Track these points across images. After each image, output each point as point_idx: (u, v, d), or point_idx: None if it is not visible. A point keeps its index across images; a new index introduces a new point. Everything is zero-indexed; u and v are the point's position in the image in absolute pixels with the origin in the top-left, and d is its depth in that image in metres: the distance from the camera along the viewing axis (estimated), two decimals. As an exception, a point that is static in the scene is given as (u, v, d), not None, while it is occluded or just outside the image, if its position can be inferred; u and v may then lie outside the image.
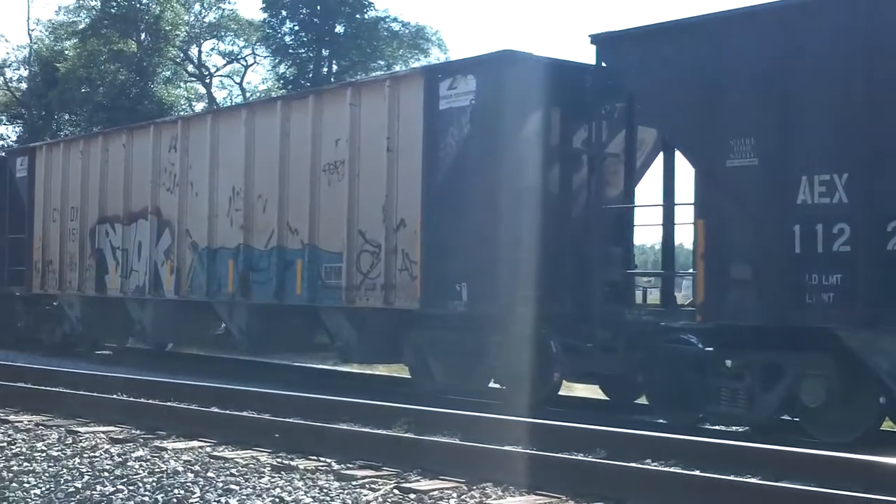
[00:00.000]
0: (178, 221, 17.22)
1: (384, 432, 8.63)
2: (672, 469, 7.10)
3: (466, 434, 8.57)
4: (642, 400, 13.40)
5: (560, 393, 13.24)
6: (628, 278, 12.77)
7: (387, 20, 37.07)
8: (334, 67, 35.96)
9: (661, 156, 13.53)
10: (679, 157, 11.73)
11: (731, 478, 6.69)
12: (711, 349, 10.71)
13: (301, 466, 7.47)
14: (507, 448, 7.67)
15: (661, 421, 11.48)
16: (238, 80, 43.31)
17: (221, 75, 43.61)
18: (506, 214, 12.54)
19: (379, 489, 6.79)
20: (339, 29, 35.87)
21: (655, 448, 7.76)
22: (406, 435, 8.45)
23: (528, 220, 12.73)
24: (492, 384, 13.52)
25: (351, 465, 7.48)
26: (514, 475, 6.93)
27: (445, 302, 12.97)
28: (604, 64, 11.51)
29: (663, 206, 12.13)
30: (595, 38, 11.46)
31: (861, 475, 6.75)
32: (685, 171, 12.33)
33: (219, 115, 17.17)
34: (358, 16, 35.88)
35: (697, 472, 6.83)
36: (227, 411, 9.80)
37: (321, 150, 14.80)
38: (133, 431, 9.11)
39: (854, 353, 9.50)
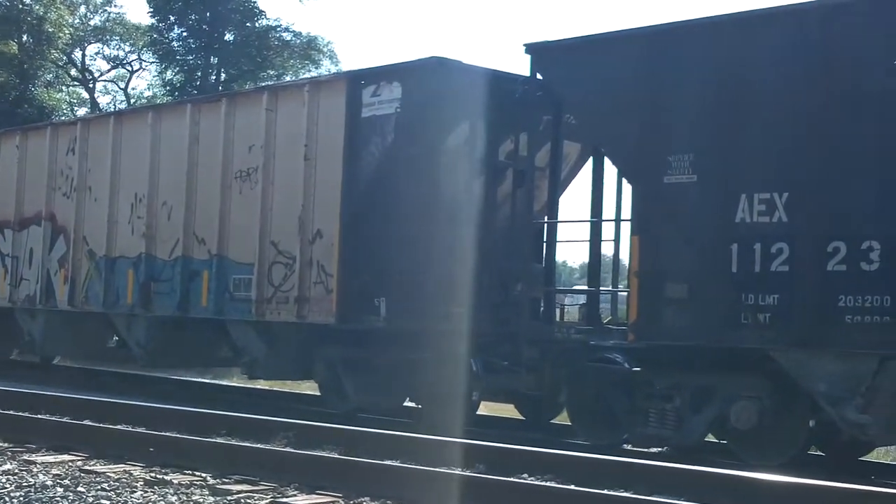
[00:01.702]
0: (75, 228, 16.43)
1: (261, 446, 8.47)
2: (547, 483, 7.21)
3: (347, 449, 8.48)
4: (560, 420, 13.23)
5: (479, 412, 12.89)
6: (551, 295, 12.52)
7: (278, 29, 36.59)
8: (223, 76, 35.36)
9: (583, 170, 13.48)
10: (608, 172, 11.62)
11: (595, 491, 6.78)
12: (639, 369, 10.47)
13: (175, 481, 7.34)
14: (385, 462, 7.65)
15: (582, 442, 11.23)
16: (123, 85, 42.33)
17: (106, 80, 42.66)
18: (429, 228, 12.18)
19: None
20: (228, 37, 35.36)
21: (531, 463, 7.82)
22: (284, 449, 8.33)
23: (452, 234, 12.40)
24: (408, 403, 13.11)
25: (227, 480, 7.37)
26: (392, 490, 6.95)
27: (362, 317, 12.53)
28: (538, 75, 11.24)
29: (590, 221, 11.93)
30: (530, 48, 11.20)
31: (733, 489, 6.90)
32: (611, 186, 12.24)
33: (122, 117, 16.46)
34: (248, 24, 35.34)
35: (572, 486, 7.00)
36: (101, 424, 9.51)
37: (233, 157, 14.25)
38: (0, 444, 8.71)
39: (788, 375, 9.36)
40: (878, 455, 11.45)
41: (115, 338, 18.10)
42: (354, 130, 12.76)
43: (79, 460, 8.14)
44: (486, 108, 12.53)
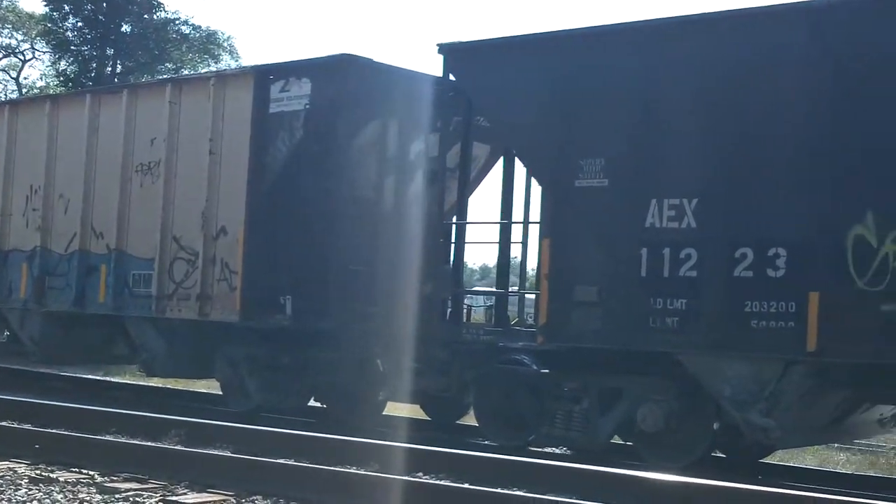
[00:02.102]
0: (-34, 219, 15.87)
1: (151, 444, 8.45)
2: (441, 482, 7.31)
3: (239, 447, 8.47)
4: (466, 420, 13.24)
5: (385, 413, 12.83)
6: (460, 296, 12.50)
7: (177, 22, 36.19)
8: (119, 67, 34.73)
9: (493, 172, 13.51)
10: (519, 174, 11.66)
11: (490, 490, 6.86)
12: (547, 371, 10.51)
13: (62, 479, 7.25)
14: (278, 461, 7.63)
15: (489, 443, 11.25)
16: (14, 74, 41.17)
17: (-4, 69, 41.44)
18: (337, 226, 12.06)
19: (143, 502, 6.71)
20: (125, 28, 34.80)
21: (425, 461, 7.92)
22: (174, 447, 8.33)
23: (361, 233, 12.31)
24: (314, 403, 12.98)
25: (115, 478, 7.32)
26: (285, 488, 6.97)
27: (267, 315, 12.35)
28: (451, 75, 11.20)
29: (500, 223, 11.95)
30: (443, 49, 11.16)
31: (627, 488, 7.07)
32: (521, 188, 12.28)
33: (17, 106, 15.96)
34: (146, 16, 34.87)
35: (466, 485, 7.09)
36: None
37: (134, 149, 13.93)
38: None
39: (695, 379, 9.49)
40: (779, 458, 11.73)
41: (6, 333, 17.57)
42: (261, 126, 12.57)
43: (-40, 457, 7.91)
44: (396, 107, 12.47)
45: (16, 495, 6.66)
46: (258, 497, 6.86)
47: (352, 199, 12.26)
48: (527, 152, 10.78)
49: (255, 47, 79.68)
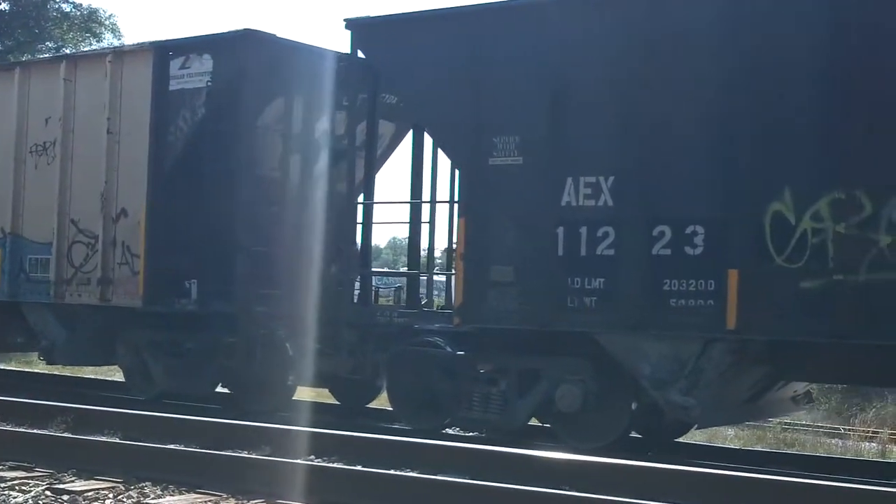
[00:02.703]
0: None
1: (37, 431, 8.33)
2: (334, 465, 7.39)
3: (127, 433, 8.46)
4: (377, 404, 13.03)
5: (293, 397, 12.53)
6: (367, 278, 12.24)
7: (57, 0, 35.16)
8: None
9: (398, 150, 13.26)
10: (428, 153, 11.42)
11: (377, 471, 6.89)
12: (463, 353, 10.32)
13: None
14: (167, 446, 7.65)
15: (403, 426, 11.04)
16: None
17: None
18: (241, 207, 11.72)
19: (30, 490, 6.59)
20: (3, 6, 33.74)
21: (320, 445, 7.95)
22: (60, 434, 8.23)
23: (266, 214, 11.97)
24: (220, 389, 12.62)
25: (1, 466, 7.24)
26: (175, 474, 6.94)
27: (172, 300, 11.96)
28: (359, 51, 10.88)
29: (410, 203, 11.71)
30: (350, 24, 10.84)
31: (516, 467, 7.18)
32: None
33: None
34: None
35: (359, 467, 7.16)
36: None
37: (27, 129, 13.38)
38: None
39: (614, 359, 9.39)
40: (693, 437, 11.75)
41: None
42: (162, 104, 12.13)
43: None
44: (301, 83, 12.13)
45: None
46: (147, 483, 6.84)
47: (256, 179, 11.91)
48: (439, 130, 10.54)
49: (139, 26, 77.62)
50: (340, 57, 12.01)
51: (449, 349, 10.47)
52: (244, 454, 7.63)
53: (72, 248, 12.84)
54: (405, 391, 10.81)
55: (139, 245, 12.22)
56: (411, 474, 6.91)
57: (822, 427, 16.38)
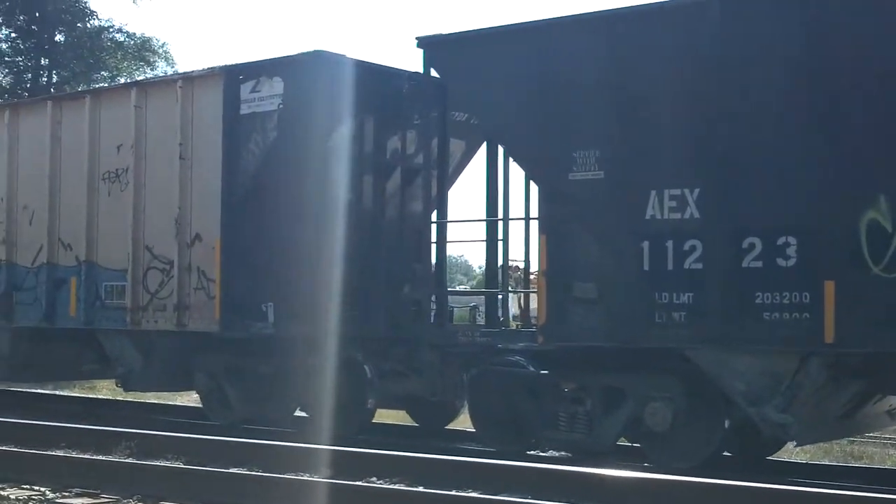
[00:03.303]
0: (-75, 235, 15.23)
1: (101, 458, 8.38)
2: (395, 486, 7.36)
3: (190, 458, 8.49)
4: (455, 425, 12.87)
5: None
6: (443, 297, 12.10)
7: (111, 30, 35.74)
8: (54, 77, 34.23)
9: (470, 168, 13.13)
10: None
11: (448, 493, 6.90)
12: (547, 372, 10.13)
13: (13, 496, 7.19)
14: (228, 470, 7.67)
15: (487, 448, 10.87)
16: (-53, 86, 40.25)
17: (-72, 81, 40.43)
18: (316, 228, 11.60)
19: None
20: (59, 37, 34.34)
21: (380, 466, 7.90)
22: (124, 460, 8.28)
23: (340, 235, 11.84)
24: (299, 413, 12.52)
25: (67, 493, 7.31)
26: (238, 497, 7.00)
27: (249, 324, 11.88)
28: (432, 70, 10.76)
29: (486, 220, 11.54)
30: (422, 42, 10.74)
31: (576, 486, 7.09)
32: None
33: (-27, 116, 15.30)
34: (80, 25, 34.35)
35: (420, 489, 7.13)
36: None
37: (100, 157, 13.38)
38: None
39: (704, 375, 9.15)
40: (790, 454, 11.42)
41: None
42: (233, 128, 12.08)
43: None
44: (372, 103, 12.03)
45: (-34, 514, 6.58)
46: None
47: (329, 200, 11.80)
48: (516, 147, 10.37)
49: (190, 54, 78.39)
50: (410, 76, 11.93)
51: (531, 368, 10.28)
52: (305, 477, 7.61)
53: (147, 275, 12.82)
54: (488, 412, 10.65)
55: (214, 270, 12.16)
56: (472, 495, 6.91)
57: (890, 438, 15.88)
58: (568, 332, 9.69)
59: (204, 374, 12.69)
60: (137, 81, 13.19)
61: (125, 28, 39.18)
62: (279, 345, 11.83)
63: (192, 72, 12.63)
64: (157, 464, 8.06)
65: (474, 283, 48.06)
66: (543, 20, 10.03)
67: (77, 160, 13.52)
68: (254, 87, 11.96)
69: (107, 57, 35.47)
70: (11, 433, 9.50)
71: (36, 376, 15.56)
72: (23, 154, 14.23)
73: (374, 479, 7.59)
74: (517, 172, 11.32)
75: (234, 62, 12.33)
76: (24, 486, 7.49)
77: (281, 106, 11.71)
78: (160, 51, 37.19)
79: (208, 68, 12.54)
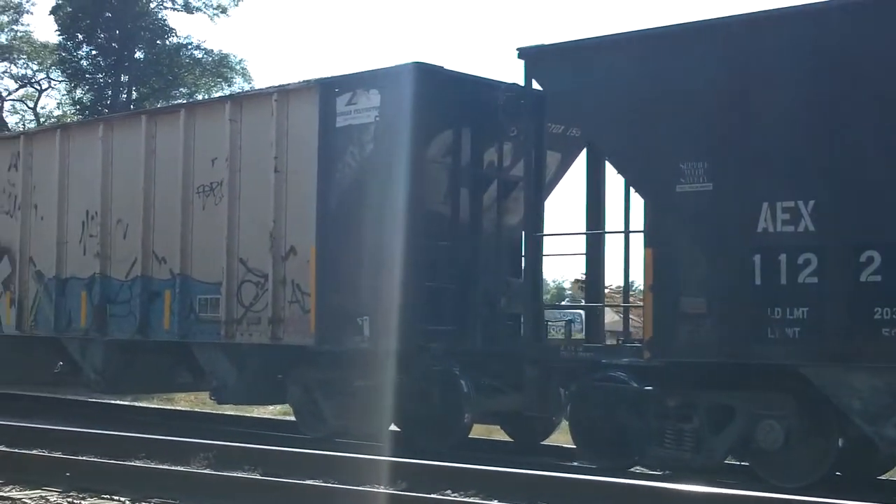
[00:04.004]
0: (20, 248, 15.46)
1: (180, 468, 8.45)
2: (471, 499, 7.31)
3: (267, 469, 8.51)
4: (552, 441, 12.69)
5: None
6: (540, 311, 11.90)
7: (189, 47, 36.26)
8: (134, 94, 34.74)
9: (566, 180, 12.96)
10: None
11: None
12: (651, 388, 9.91)
13: None
14: (306, 482, 7.72)
15: (586, 465, 10.67)
16: (31, 104, 40.99)
17: (14, 99, 41.27)
18: (412, 241, 11.52)
19: None
20: (138, 55, 34.89)
21: (455, 478, 7.86)
22: (203, 471, 8.34)
23: (438, 249, 11.78)
24: (393, 427, 12.41)
25: (146, 503, 7.41)
26: None
27: (345, 338, 11.83)
28: (533, 81, 10.60)
29: (586, 234, 11.36)
30: (524, 53, 10.59)
31: (649, 500, 7.11)
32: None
33: (69, 130, 15.48)
34: (159, 42, 34.86)
35: (496, 502, 7.14)
36: (16, 450, 9.28)
37: (194, 171, 13.46)
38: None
39: (820, 392, 8.88)
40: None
41: (61, 363, 17.16)
42: (329, 140, 12.06)
43: (-6, 487, 7.98)
44: (468, 115, 11.98)
45: (49, 523, 6.56)
46: None
47: (426, 214, 11.73)
48: (621, 158, 10.18)
49: (268, 69, 78.86)
50: (507, 87, 11.78)
51: (633, 384, 10.08)
52: (381, 489, 7.61)
53: (241, 288, 12.83)
54: (590, 428, 10.44)
55: (309, 283, 12.14)
56: None
57: None
58: (676, 348, 9.47)
59: (298, 388, 12.66)
60: (232, 95, 13.22)
61: (203, 45, 39.82)
62: (375, 359, 11.74)
63: (288, 85, 12.63)
64: (233, 475, 8.14)
65: (548, 297, 47.68)
66: (651, 29, 9.85)
67: (171, 174, 13.60)
68: (350, 99, 11.93)
69: (185, 74, 36.10)
70: (92, 444, 9.63)
71: (129, 388, 15.68)
72: (117, 168, 14.36)
73: (448, 491, 7.57)
74: (613, 185, 11.15)
75: (327, 75, 12.29)
76: (105, 496, 7.61)
77: (377, 118, 11.66)
78: (237, 67, 37.72)
79: (303, 81, 12.53)
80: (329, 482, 7.81)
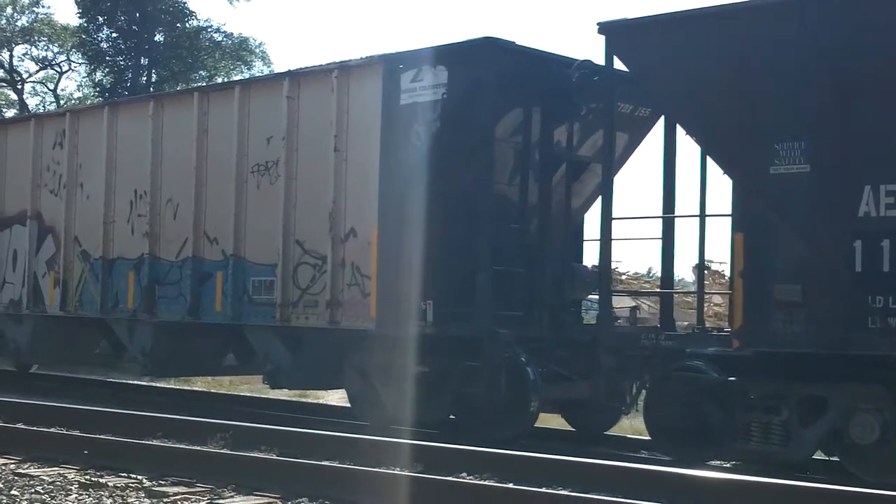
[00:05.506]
0: (65, 228, 15.13)
1: (197, 448, 8.46)
2: (486, 482, 7.27)
3: (284, 449, 8.52)
4: (616, 430, 12.32)
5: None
6: (608, 298, 11.51)
7: (209, 30, 36.07)
8: (153, 76, 34.60)
9: (633, 161, 12.58)
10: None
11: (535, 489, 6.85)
12: (735, 378, 9.50)
13: (111, 483, 7.35)
14: (322, 463, 7.71)
15: (662, 457, 10.29)
16: (52, 86, 40.75)
17: (34, 81, 40.94)
18: (479, 223, 11.12)
19: None
20: (158, 38, 34.79)
21: (470, 461, 7.93)
22: (220, 451, 8.36)
23: (505, 231, 11.38)
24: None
25: (163, 482, 7.45)
26: (331, 490, 7.00)
27: (406, 322, 11.41)
28: (615, 57, 10.17)
29: (663, 217, 10.93)
30: (605, 28, 10.16)
31: (668, 487, 7.01)
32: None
33: (117, 107, 15.10)
34: (179, 25, 34.75)
35: (511, 485, 7.06)
36: (35, 427, 9.36)
37: (248, 149, 13.07)
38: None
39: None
40: None
41: (102, 344, 16.91)
42: (392, 119, 11.64)
43: (12, 463, 8.12)
44: (539, 93, 11.55)
45: (66, 500, 6.81)
46: (304, 499, 6.92)
47: (494, 194, 11.33)
48: (708, 138, 9.74)
49: (285, 53, 78.21)
50: (580, 64, 11.41)
51: (715, 374, 9.68)
52: (398, 471, 7.58)
53: (297, 270, 12.46)
54: (667, 419, 10.04)
55: (370, 266, 11.75)
56: (564, 493, 6.90)
57: None
58: (768, 337, 9.06)
59: (355, 373, 12.28)
60: (290, 71, 12.78)
61: (223, 28, 39.52)
62: (438, 344, 11.35)
63: (349, 61, 12.22)
64: (252, 455, 8.18)
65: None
66: (745, 1, 9.39)
67: (225, 152, 13.23)
68: (415, 76, 11.51)
69: (205, 57, 35.87)
70: (111, 423, 9.69)
71: (176, 371, 15.37)
72: (167, 147, 13.99)
73: (464, 474, 7.62)
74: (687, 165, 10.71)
75: (392, 51, 11.89)
76: (122, 474, 7.69)
77: (445, 95, 11.24)
78: (257, 50, 37.45)
79: (366, 57, 12.12)
80: (345, 463, 7.90)
